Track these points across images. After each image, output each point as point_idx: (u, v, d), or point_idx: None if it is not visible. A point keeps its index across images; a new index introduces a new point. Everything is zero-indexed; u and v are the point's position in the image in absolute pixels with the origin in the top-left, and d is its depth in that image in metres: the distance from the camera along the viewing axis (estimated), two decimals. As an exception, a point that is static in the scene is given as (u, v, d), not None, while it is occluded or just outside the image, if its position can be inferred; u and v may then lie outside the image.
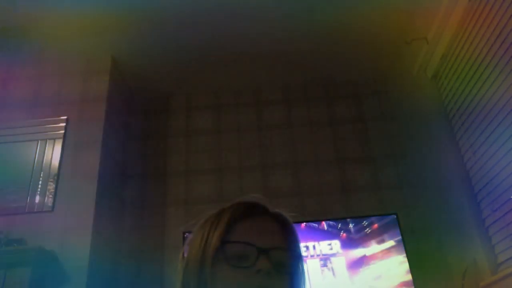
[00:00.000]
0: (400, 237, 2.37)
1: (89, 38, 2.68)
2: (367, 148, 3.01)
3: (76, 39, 2.70)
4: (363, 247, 2.38)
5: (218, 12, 2.54)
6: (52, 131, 2.57)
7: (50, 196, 2.37)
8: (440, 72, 2.50)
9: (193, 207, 2.84)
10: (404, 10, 2.56)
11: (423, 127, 2.73)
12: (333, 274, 2.33)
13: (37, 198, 2.37)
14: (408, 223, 2.55)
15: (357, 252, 2.37)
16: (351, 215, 2.58)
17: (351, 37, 2.80)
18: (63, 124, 2.59)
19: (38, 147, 2.52)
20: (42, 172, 2.44)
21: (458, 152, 2.36)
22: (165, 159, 3.05)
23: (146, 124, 3.20)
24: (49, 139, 2.55)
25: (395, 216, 2.43)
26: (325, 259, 2.36)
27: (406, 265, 2.31)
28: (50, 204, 2.35)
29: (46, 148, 2.52)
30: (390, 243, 2.37)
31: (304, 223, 2.45)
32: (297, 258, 0.72)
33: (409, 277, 2.29)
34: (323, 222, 2.46)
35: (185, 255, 0.71)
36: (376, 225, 2.42)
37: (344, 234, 2.42)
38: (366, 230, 2.41)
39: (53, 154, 2.50)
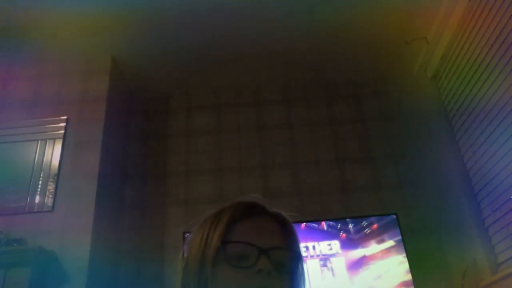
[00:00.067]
0: (400, 237, 2.36)
1: (89, 38, 2.68)
2: (367, 148, 3.01)
3: (76, 39, 2.70)
4: (363, 247, 2.38)
5: (218, 12, 2.54)
6: (52, 131, 2.57)
7: (50, 196, 2.37)
8: (440, 72, 2.50)
9: (193, 207, 2.84)
10: (404, 10, 2.56)
11: (423, 127, 2.73)
12: (333, 274, 2.33)
13: (37, 198, 2.37)
14: (408, 223, 2.55)
15: (357, 252, 2.37)
16: (351, 215, 2.57)
17: (351, 37, 2.80)
18: (63, 124, 2.59)
19: (38, 147, 2.52)
20: (42, 172, 2.44)
21: (458, 152, 2.36)
22: (165, 159, 3.04)
23: (146, 124, 3.20)
24: (49, 139, 2.55)
25: (395, 216, 2.43)
26: (324, 259, 2.36)
27: (406, 265, 2.31)
28: (50, 204, 2.35)
29: (46, 148, 2.52)
30: (390, 243, 2.37)
31: (304, 223, 2.45)
32: (297, 258, 0.72)
33: (409, 277, 2.29)
34: (323, 222, 2.46)
35: (185, 255, 0.71)
36: (375, 225, 2.42)
37: (344, 234, 2.42)
38: (365, 230, 2.41)
39: (53, 154, 2.50)
